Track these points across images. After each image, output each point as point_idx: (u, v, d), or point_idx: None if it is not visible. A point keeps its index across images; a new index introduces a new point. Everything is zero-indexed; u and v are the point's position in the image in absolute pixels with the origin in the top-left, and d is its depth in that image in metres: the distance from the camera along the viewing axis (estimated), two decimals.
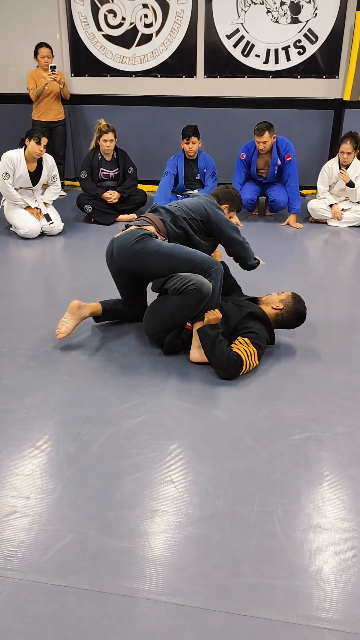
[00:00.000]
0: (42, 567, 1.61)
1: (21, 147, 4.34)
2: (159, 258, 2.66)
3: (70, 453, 2.08)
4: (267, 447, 2.12)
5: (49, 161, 4.47)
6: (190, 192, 5.05)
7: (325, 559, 1.65)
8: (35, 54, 5.40)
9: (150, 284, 2.99)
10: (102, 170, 4.90)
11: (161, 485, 1.92)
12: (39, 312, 3.26)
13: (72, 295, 3.45)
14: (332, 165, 4.82)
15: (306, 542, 1.71)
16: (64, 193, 5.65)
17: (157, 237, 2.72)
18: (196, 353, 2.66)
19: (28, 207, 4.46)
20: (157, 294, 2.88)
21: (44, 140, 4.24)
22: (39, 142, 4.22)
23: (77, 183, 6.03)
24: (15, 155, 4.29)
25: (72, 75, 5.88)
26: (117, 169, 4.94)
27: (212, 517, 1.79)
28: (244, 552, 1.67)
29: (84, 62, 5.81)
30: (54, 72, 5.21)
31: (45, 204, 4.55)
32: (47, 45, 5.36)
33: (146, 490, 1.90)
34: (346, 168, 4.79)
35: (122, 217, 4.94)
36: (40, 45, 5.37)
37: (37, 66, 5.47)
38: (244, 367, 2.52)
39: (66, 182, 6.10)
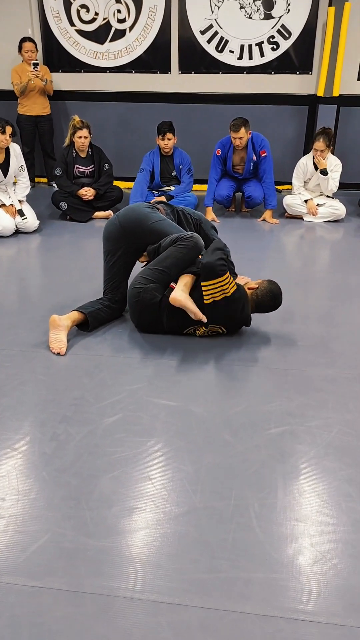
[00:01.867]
0: (18, 569, 1.60)
1: None
2: (162, 222, 2.91)
3: (47, 453, 2.07)
4: (244, 442, 2.13)
5: (16, 150, 4.41)
6: (167, 188, 5.04)
7: (301, 551, 1.67)
8: (20, 48, 5.33)
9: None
10: (77, 167, 4.85)
11: (138, 483, 1.92)
12: (13, 310, 3.22)
13: (48, 293, 3.44)
14: (306, 161, 4.85)
15: (283, 535, 1.72)
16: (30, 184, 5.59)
17: None
18: (178, 293, 2.65)
19: (2, 205, 4.40)
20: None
21: (9, 129, 4.18)
22: (3, 132, 4.16)
23: (46, 180, 5.99)
24: None
25: None
26: (92, 165, 4.91)
27: (189, 513, 1.80)
28: (221, 547, 1.67)
29: (56, 57, 5.75)
30: (36, 68, 5.14)
31: (19, 201, 4.49)
32: (31, 40, 5.30)
33: (123, 488, 1.89)
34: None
35: (98, 214, 4.91)
36: (24, 39, 5.31)
37: (22, 61, 5.40)
38: (224, 275, 2.63)
39: (36, 180, 6.03)
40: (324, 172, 4.75)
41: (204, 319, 2.68)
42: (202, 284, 2.66)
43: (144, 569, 1.60)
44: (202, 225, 3.20)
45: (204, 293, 2.66)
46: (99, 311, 2.96)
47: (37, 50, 5.38)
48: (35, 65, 5.16)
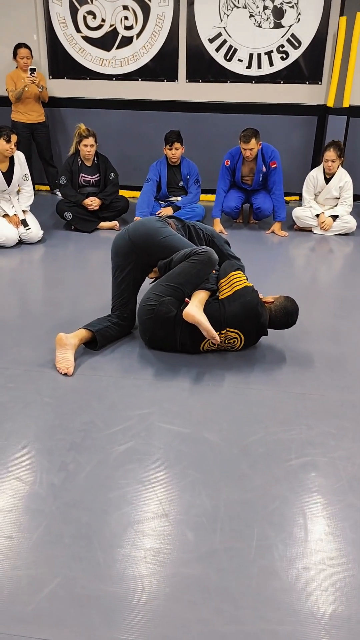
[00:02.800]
0: (27, 618, 1.48)
1: None
2: (173, 237, 2.81)
3: (55, 484, 1.95)
4: (263, 474, 2.01)
5: (21, 158, 4.31)
6: (174, 198, 4.94)
7: (330, 600, 1.55)
8: (15, 54, 5.23)
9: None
10: (82, 176, 4.75)
11: (153, 520, 1.80)
12: (16, 326, 3.10)
13: (52, 308, 3.32)
14: (316, 174, 4.76)
15: (310, 580, 1.61)
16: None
17: None
18: (192, 308, 2.56)
19: (6, 215, 4.29)
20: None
21: (14, 138, 4.09)
22: (8, 140, 4.06)
23: (47, 187, 5.89)
24: None
25: (50, 77, 5.72)
26: (97, 174, 4.81)
27: (209, 555, 1.68)
28: (244, 594, 1.56)
29: (62, 64, 5.66)
30: (33, 74, 5.05)
31: (23, 211, 4.38)
32: (26, 46, 5.21)
33: (137, 525, 1.78)
34: (331, 177, 4.73)
35: (103, 224, 4.80)
36: (19, 45, 5.21)
37: (17, 67, 5.30)
38: (234, 270, 2.74)
39: (37, 187, 5.93)
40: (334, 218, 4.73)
41: (217, 339, 2.57)
42: (220, 281, 2.70)
43: (161, 619, 1.48)
44: (214, 240, 3.09)
45: (221, 289, 2.68)
46: (108, 329, 2.84)
47: (32, 57, 5.29)
48: (32, 71, 5.07)
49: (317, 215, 4.77)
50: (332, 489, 1.95)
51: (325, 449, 2.15)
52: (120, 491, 1.92)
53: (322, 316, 3.35)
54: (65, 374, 2.60)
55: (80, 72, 5.67)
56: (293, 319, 2.71)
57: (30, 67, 5.09)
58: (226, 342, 2.71)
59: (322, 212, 4.77)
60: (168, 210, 4.80)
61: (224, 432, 2.24)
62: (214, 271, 2.74)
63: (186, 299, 2.66)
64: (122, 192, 5.68)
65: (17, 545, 1.70)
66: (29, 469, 2.02)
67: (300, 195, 5.65)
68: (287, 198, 5.57)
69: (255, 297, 2.66)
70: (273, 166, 4.62)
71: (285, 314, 2.68)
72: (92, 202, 4.69)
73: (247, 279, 2.81)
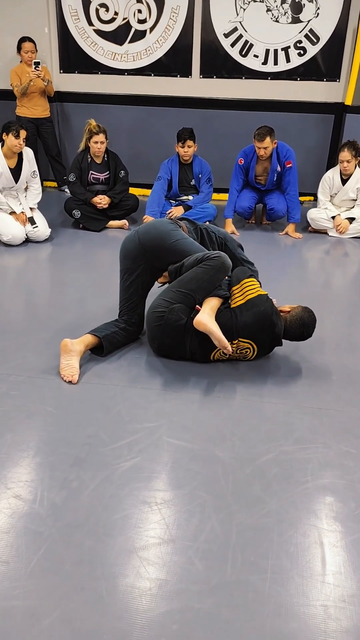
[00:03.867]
0: None
1: None
2: (185, 240, 2.69)
3: (56, 504, 1.83)
4: (278, 497, 1.89)
5: (29, 154, 4.19)
6: (185, 198, 4.81)
7: None
8: (19, 48, 5.12)
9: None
10: (91, 174, 4.63)
11: (159, 546, 1.68)
12: (21, 330, 2.99)
13: (58, 310, 3.21)
14: (332, 175, 4.61)
15: (328, 620, 1.48)
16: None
17: None
18: (203, 316, 2.45)
19: (13, 213, 4.18)
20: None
21: (23, 133, 3.97)
22: (17, 136, 3.95)
23: (54, 184, 5.78)
24: None
25: (61, 71, 5.60)
26: (107, 172, 4.68)
27: (220, 588, 1.56)
28: (259, 635, 1.44)
29: (73, 58, 5.53)
30: (37, 68, 4.92)
31: (30, 208, 4.27)
32: (30, 40, 5.08)
33: (142, 551, 1.66)
34: (348, 178, 4.58)
35: (112, 223, 4.68)
36: (23, 39, 5.09)
37: (21, 61, 5.18)
38: (247, 277, 2.63)
39: (45, 184, 5.82)
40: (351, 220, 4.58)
41: (229, 349, 2.45)
42: (233, 289, 2.58)
43: None
44: (227, 244, 2.96)
45: (233, 297, 2.56)
46: (115, 334, 2.73)
47: (37, 51, 5.16)
48: (37, 64, 4.94)
49: (333, 217, 4.62)
50: (351, 515, 1.83)
51: (343, 470, 2.03)
52: (125, 512, 1.80)
53: (338, 324, 3.22)
54: (70, 382, 2.49)
55: (92, 66, 5.54)
56: (309, 332, 2.58)
57: (34, 60, 4.97)
58: (238, 352, 2.58)
59: (338, 214, 4.62)
60: (179, 210, 4.68)
61: (236, 450, 2.11)
62: (226, 277, 2.62)
63: (197, 306, 2.54)
64: (132, 190, 5.55)
65: (14, 572, 1.58)
66: (29, 485, 1.91)
67: (314, 195, 5.52)
68: (302, 198, 5.42)
69: (270, 307, 2.53)
70: (288, 165, 4.48)
71: (301, 326, 2.54)
72: (101, 201, 4.57)
73: (260, 285, 2.68)
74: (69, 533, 1.72)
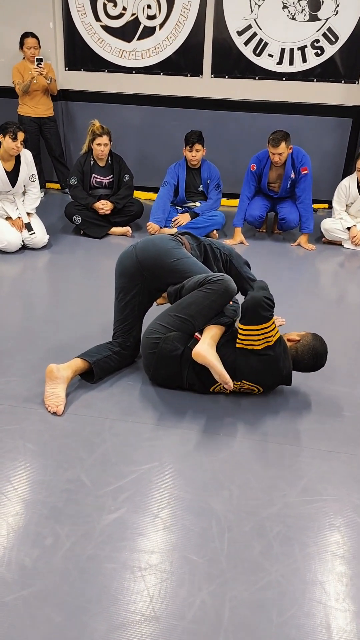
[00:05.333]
0: None
1: None
2: (186, 260, 2.46)
3: (26, 566, 1.61)
4: (280, 563, 1.64)
5: (28, 157, 3.96)
6: (192, 204, 4.56)
7: None
8: (21, 44, 4.89)
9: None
10: (94, 177, 4.40)
11: (141, 625, 1.45)
12: (7, 349, 2.76)
13: (50, 327, 2.98)
14: (349, 183, 4.34)
15: None
16: (41, 195, 5.15)
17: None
18: (203, 347, 2.18)
19: (9, 218, 3.97)
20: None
21: (21, 135, 3.75)
22: (14, 138, 3.73)
23: (58, 186, 5.57)
24: None
25: (66, 68, 5.37)
26: (111, 175, 4.45)
27: None
28: None
29: (79, 55, 5.30)
30: (40, 65, 4.70)
31: (28, 214, 4.05)
32: (33, 35, 4.86)
33: (120, 631, 1.43)
34: None
35: (114, 229, 4.44)
36: (26, 35, 4.86)
37: (23, 58, 4.96)
38: (269, 320, 2.21)
39: (48, 185, 5.61)
40: None
41: (230, 384, 2.20)
42: (241, 327, 2.21)
43: None
44: (232, 261, 2.73)
45: (240, 337, 2.21)
46: (107, 359, 2.49)
47: (40, 47, 4.93)
48: (39, 61, 4.70)
49: (349, 228, 4.35)
50: None
51: (355, 530, 1.78)
52: (104, 580, 1.57)
53: (351, 348, 2.95)
54: (55, 413, 2.26)
55: (98, 63, 5.30)
56: (321, 362, 2.33)
57: (37, 57, 4.74)
58: (240, 389, 2.34)
59: (354, 225, 4.35)
60: (185, 217, 4.43)
61: (234, 501, 1.87)
62: (231, 302, 2.37)
63: (196, 334, 2.29)
64: (137, 194, 5.35)
65: None
66: None
67: (329, 202, 5.25)
68: (316, 206, 5.16)
69: (280, 352, 2.23)
70: (304, 172, 4.21)
71: (314, 356, 2.29)
72: (104, 206, 4.34)
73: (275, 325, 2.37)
74: (36, 606, 1.49)
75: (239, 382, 2.28)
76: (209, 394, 2.40)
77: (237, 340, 2.23)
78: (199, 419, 2.26)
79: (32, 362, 2.62)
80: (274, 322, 2.21)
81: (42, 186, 5.33)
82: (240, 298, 2.87)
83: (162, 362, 2.31)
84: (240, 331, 2.22)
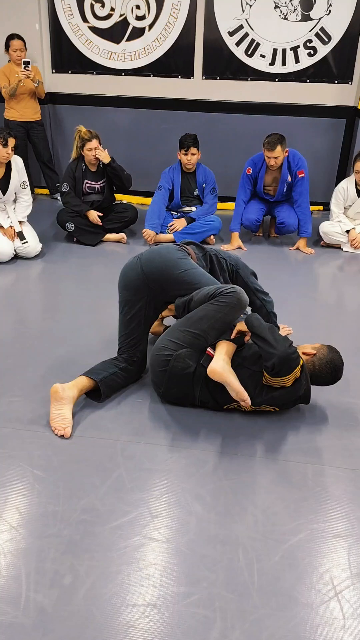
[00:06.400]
0: None
1: None
2: (194, 270, 2.36)
3: (45, 609, 1.49)
4: (315, 597, 1.55)
5: (18, 164, 3.83)
6: (187, 209, 4.46)
7: None
8: (7, 47, 4.74)
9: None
10: (86, 183, 4.27)
11: None
12: (6, 367, 2.62)
13: (49, 341, 2.86)
14: (347, 185, 4.27)
15: None
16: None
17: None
18: (219, 364, 2.07)
19: (0, 227, 3.82)
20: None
21: (11, 141, 3.62)
22: (5, 144, 3.59)
23: (47, 191, 5.44)
24: None
25: (53, 71, 5.23)
26: (103, 180, 4.33)
27: None
28: None
29: (66, 57, 5.16)
30: (27, 68, 4.55)
31: (19, 222, 3.91)
32: (19, 37, 4.71)
33: None
34: None
35: (109, 236, 4.33)
36: (11, 37, 4.71)
37: (9, 60, 4.81)
38: (300, 360, 2.09)
39: (36, 191, 5.47)
40: None
41: (248, 401, 2.10)
42: (273, 378, 2.09)
43: None
44: (239, 271, 2.64)
45: (272, 383, 2.11)
46: (114, 376, 2.38)
47: (26, 49, 4.79)
48: (27, 64, 4.56)
49: (348, 231, 4.29)
50: None
51: None
52: (129, 619, 1.46)
53: (358, 354, 2.88)
54: (62, 436, 2.14)
55: (86, 66, 5.17)
56: (340, 375, 2.25)
57: (23, 59, 4.60)
58: (255, 408, 2.25)
59: (353, 228, 4.29)
60: (181, 222, 4.33)
61: (259, 527, 1.78)
62: (242, 314, 2.27)
63: (209, 349, 2.19)
64: (130, 199, 5.24)
65: None
66: (12, 582, 1.57)
67: (324, 204, 5.20)
68: (311, 208, 5.09)
69: (303, 378, 2.14)
70: (300, 175, 4.14)
71: (333, 370, 2.20)
72: (97, 220, 4.21)
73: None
74: None
75: (258, 407, 2.20)
76: (222, 411, 2.30)
77: (265, 381, 2.12)
78: (214, 439, 2.16)
79: (34, 381, 2.49)
80: (300, 368, 2.11)
81: (31, 192, 5.18)
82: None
83: (174, 381, 2.20)
84: (271, 380, 2.11)
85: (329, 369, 2.20)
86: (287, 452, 2.11)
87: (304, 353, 2.24)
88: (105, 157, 4.17)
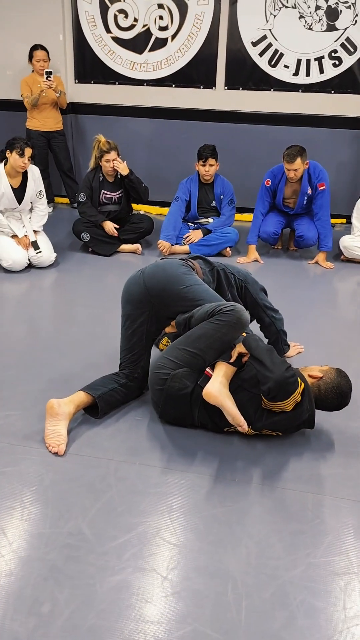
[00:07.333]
0: None
1: (1, 161, 3.72)
2: (198, 286, 2.31)
3: (20, 639, 1.43)
4: (306, 639, 1.45)
5: (35, 173, 3.83)
6: (204, 220, 4.40)
7: None
8: (30, 57, 4.77)
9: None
10: (103, 193, 4.25)
11: None
12: (8, 379, 2.59)
13: (54, 353, 2.82)
14: None
15: None
16: (49, 210, 5.01)
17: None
18: (215, 387, 1.99)
19: (15, 236, 3.83)
20: None
21: (28, 152, 3.62)
22: (22, 154, 3.59)
23: (67, 200, 5.45)
24: None
25: (76, 81, 5.24)
26: (120, 190, 4.30)
27: None
28: None
29: (89, 67, 5.17)
30: (49, 78, 4.58)
31: (34, 231, 3.91)
32: (43, 48, 4.74)
33: None
34: None
35: (124, 247, 4.29)
36: (35, 47, 4.74)
37: (32, 71, 4.85)
38: (298, 385, 1.98)
39: (56, 200, 5.49)
40: None
41: (245, 427, 2.02)
42: (272, 403, 2.00)
43: None
44: (248, 287, 2.56)
45: (271, 408, 2.02)
46: (113, 393, 2.32)
47: (49, 60, 4.81)
48: (49, 74, 4.58)
49: None
50: None
51: None
52: None
53: None
54: (56, 454, 2.09)
55: (109, 76, 5.18)
56: (346, 401, 2.14)
57: (46, 70, 4.62)
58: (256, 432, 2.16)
59: None
60: (197, 234, 4.27)
61: (253, 561, 1.69)
62: (244, 334, 2.19)
63: (207, 369, 2.11)
64: (148, 209, 5.21)
65: None
66: None
67: (346, 217, 5.07)
68: (333, 221, 4.97)
69: (305, 403, 2.04)
70: (321, 188, 4.03)
71: (339, 395, 2.10)
72: (113, 231, 4.18)
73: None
74: None
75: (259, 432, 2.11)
76: (222, 433, 2.21)
77: (265, 405, 2.04)
78: (211, 462, 2.08)
79: (34, 394, 2.46)
80: (302, 387, 2.02)
81: (51, 201, 5.21)
82: (254, 327, 2.71)
83: (171, 402, 2.13)
84: (270, 406, 2.03)
85: (335, 394, 2.09)
86: (287, 479, 2.01)
87: (309, 376, 2.15)
88: (123, 169, 4.14)
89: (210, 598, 1.57)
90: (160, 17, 4.91)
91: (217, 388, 1.98)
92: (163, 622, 1.49)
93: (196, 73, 5.04)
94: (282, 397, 1.94)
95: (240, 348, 2.10)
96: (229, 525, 1.81)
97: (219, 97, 5.09)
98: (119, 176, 4.26)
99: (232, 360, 2.08)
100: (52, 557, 1.67)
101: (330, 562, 1.69)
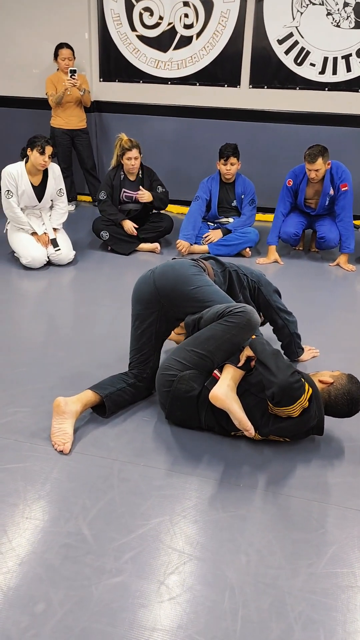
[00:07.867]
0: None
1: (22, 159, 3.75)
2: (208, 287, 2.27)
3: (11, 637, 1.43)
4: None
5: (55, 171, 3.85)
6: (224, 220, 4.36)
7: None
8: (55, 55, 4.81)
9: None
10: (124, 192, 4.25)
11: None
12: (19, 376, 2.60)
13: (67, 351, 2.83)
14: None
15: None
16: (71, 207, 5.04)
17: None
18: (222, 390, 1.97)
19: (34, 234, 3.85)
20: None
21: (49, 150, 3.64)
22: (42, 152, 3.61)
23: (89, 198, 5.47)
24: (16, 170, 3.71)
25: (101, 79, 5.27)
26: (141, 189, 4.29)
27: None
28: None
29: (114, 65, 5.19)
30: (74, 76, 4.60)
31: (54, 229, 3.93)
32: (68, 46, 4.77)
33: None
34: None
35: (143, 246, 4.28)
36: (60, 46, 4.78)
37: (57, 69, 4.88)
38: (304, 390, 1.93)
39: (79, 198, 5.52)
40: None
41: (252, 432, 1.98)
42: (278, 409, 1.96)
43: None
44: (261, 289, 2.51)
45: (278, 413, 1.98)
46: (121, 392, 2.31)
47: (75, 58, 4.83)
48: (73, 72, 4.61)
49: None
50: None
51: None
52: None
53: None
54: (61, 452, 2.09)
55: (133, 74, 5.18)
56: (357, 408, 2.08)
57: (70, 68, 4.65)
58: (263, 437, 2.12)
59: None
60: (217, 234, 4.24)
61: (252, 569, 1.65)
62: (253, 336, 2.15)
63: (215, 371, 2.08)
64: (171, 208, 5.20)
65: None
66: None
67: None
68: (357, 222, 4.87)
69: (313, 409, 1.99)
70: (343, 189, 3.95)
71: (349, 401, 2.04)
72: (132, 231, 4.18)
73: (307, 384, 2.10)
74: None
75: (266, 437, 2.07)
76: (229, 437, 2.18)
77: (271, 410, 2.00)
78: (216, 466, 2.05)
79: (43, 392, 2.46)
80: (308, 392, 1.97)
81: (74, 198, 5.25)
82: (267, 330, 2.66)
83: (177, 404, 2.11)
84: (276, 411, 1.99)
85: (345, 401, 2.04)
86: (293, 486, 1.96)
87: (320, 381, 2.09)
88: (147, 198, 4.14)
89: (206, 606, 1.54)
90: (186, 15, 4.89)
91: (224, 391, 1.95)
92: (157, 629, 1.47)
93: (221, 71, 5.00)
94: (287, 403, 1.89)
95: (248, 351, 2.06)
96: (230, 532, 1.77)
97: (244, 96, 5.04)
98: (139, 175, 4.25)
99: (240, 364, 2.04)
100: (49, 556, 1.66)
101: (332, 574, 1.64)
